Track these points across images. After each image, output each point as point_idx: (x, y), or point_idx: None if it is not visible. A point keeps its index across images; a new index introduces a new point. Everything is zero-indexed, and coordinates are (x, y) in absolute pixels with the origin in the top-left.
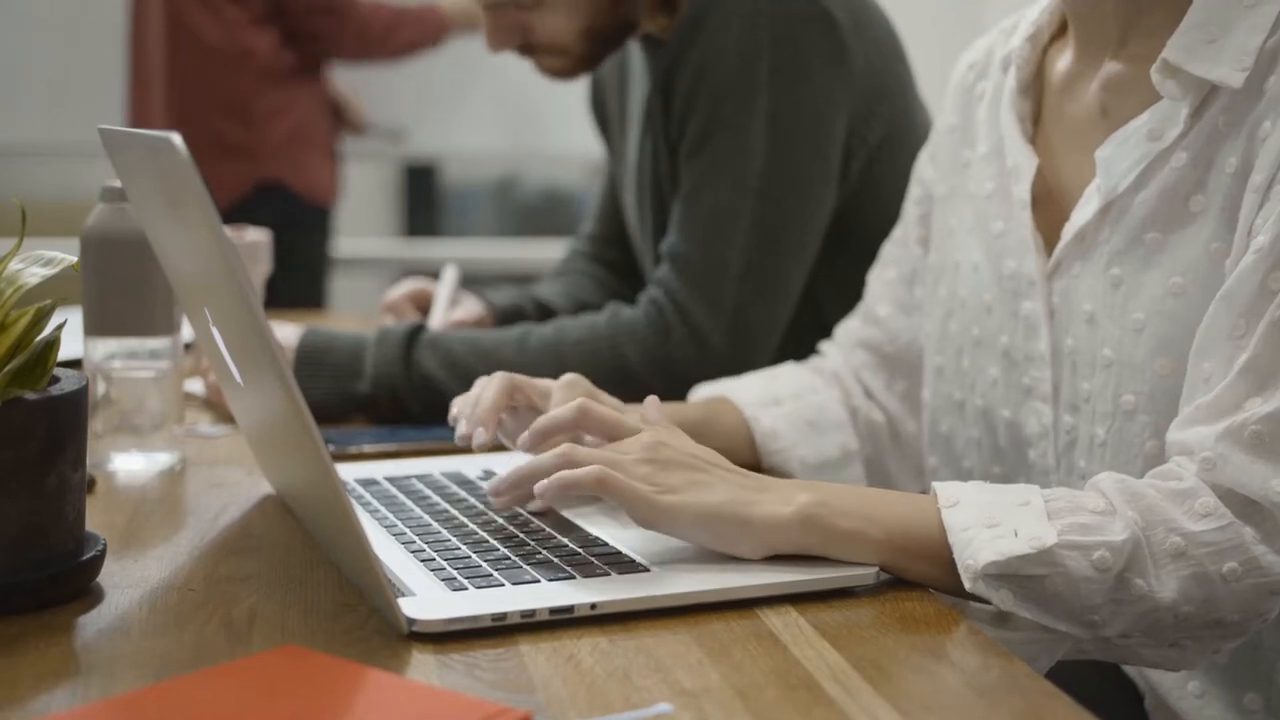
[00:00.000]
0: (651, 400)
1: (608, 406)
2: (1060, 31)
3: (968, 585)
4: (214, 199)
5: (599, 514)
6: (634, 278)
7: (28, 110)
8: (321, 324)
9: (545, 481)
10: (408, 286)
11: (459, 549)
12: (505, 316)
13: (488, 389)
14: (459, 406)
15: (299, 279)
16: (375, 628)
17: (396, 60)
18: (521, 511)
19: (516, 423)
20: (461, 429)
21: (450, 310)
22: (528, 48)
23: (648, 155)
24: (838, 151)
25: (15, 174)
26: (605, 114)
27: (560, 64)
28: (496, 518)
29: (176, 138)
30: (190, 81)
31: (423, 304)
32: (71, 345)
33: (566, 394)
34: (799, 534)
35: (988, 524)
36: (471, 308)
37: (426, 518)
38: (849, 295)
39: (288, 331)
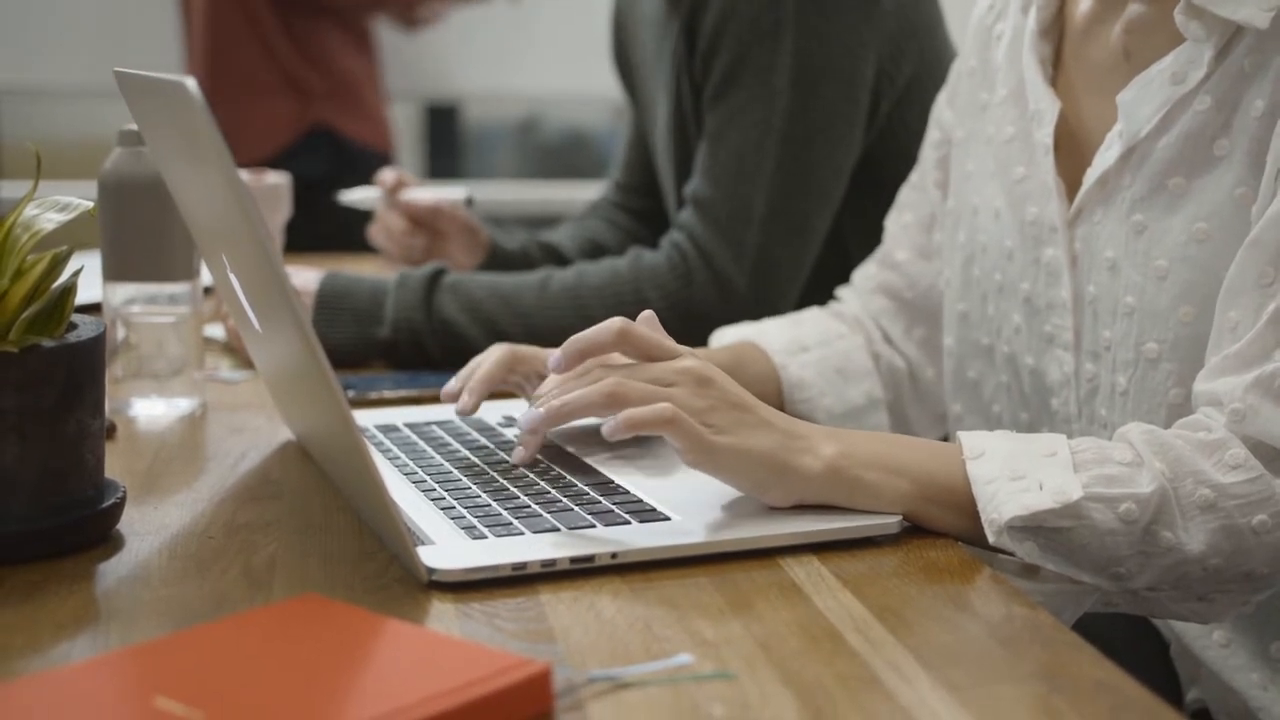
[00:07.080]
0: (648, 315)
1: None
2: None
3: (992, 539)
4: (263, 141)
5: (619, 460)
6: (658, 225)
7: (46, 51)
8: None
9: (612, 423)
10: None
11: (479, 496)
12: (510, 260)
13: (486, 359)
14: (458, 378)
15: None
16: (395, 576)
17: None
18: (541, 459)
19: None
20: (460, 401)
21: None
22: None
23: (672, 97)
24: (866, 93)
25: (33, 115)
26: (628, 61)
27: None
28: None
29: (191, 82)
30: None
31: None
32: (90, 290)
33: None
34: (827, 487)
35: (1012, 476)
36: (464, 210)
37: (446, 465)
38: (875, 239)
39: (308, 276)
